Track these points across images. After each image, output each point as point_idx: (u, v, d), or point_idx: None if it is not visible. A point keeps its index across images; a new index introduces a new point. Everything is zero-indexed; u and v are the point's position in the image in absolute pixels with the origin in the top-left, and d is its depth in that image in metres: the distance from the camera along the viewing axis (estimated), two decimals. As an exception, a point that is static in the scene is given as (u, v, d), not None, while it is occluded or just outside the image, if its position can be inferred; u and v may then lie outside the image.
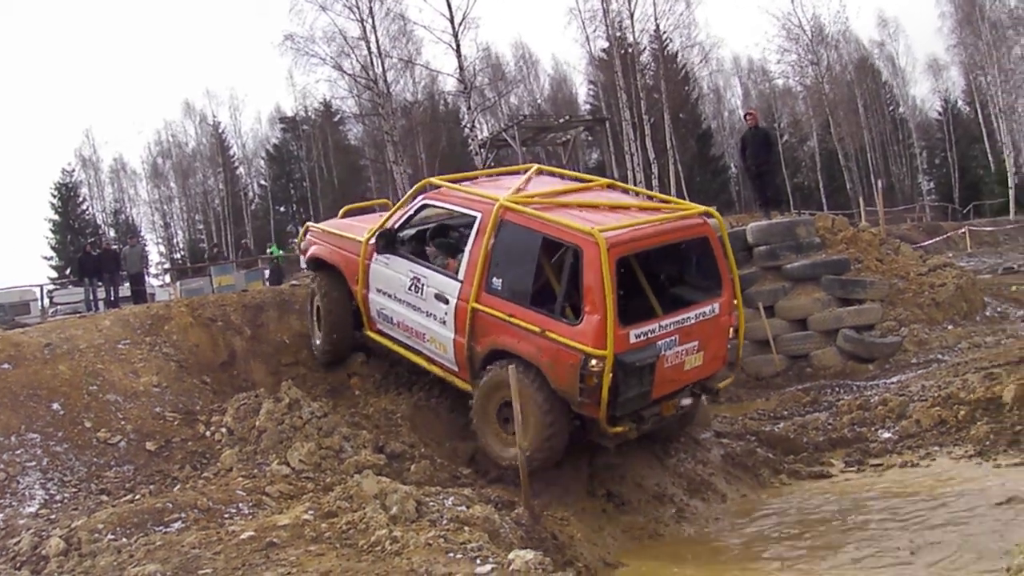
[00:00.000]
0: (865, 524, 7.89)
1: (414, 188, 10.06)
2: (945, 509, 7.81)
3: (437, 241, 9.77)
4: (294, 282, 15.68)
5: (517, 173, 10.29)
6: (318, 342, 10.42)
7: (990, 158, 59.07)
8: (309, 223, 11.61)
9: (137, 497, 7.57)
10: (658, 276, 9.13)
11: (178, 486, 7.88)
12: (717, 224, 8.91)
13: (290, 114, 64.80)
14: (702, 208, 9.03)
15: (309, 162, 62.90)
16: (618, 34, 45.42)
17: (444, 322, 8.74)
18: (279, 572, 5.17)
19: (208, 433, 8.92)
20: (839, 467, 9.49)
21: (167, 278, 47.21)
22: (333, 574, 4.86)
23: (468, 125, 35.05)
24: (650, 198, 10.47)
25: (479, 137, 38.27)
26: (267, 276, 28.19)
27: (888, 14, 73.31)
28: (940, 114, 65.96)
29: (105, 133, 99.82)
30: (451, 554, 5.01)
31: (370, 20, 32.67)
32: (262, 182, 66.66)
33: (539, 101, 63.51)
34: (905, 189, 62.21)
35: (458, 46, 31.41)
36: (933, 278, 17.06)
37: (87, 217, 63.19)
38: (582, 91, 65.59)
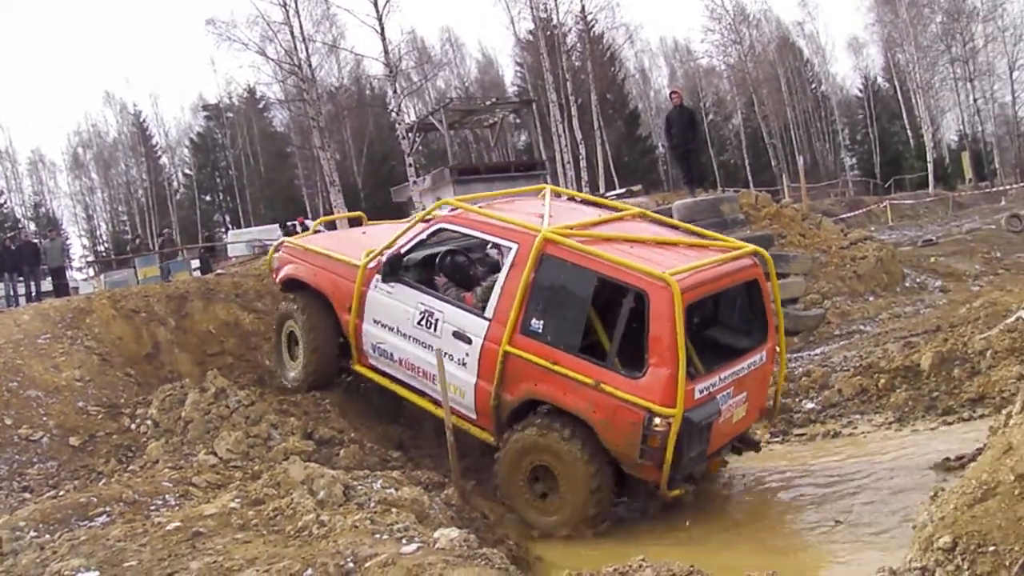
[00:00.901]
0: (790, 494, 8.05)
1: (428, 209, 8.90)
2: (868, 476, 7.98)
3: (448, 269, 8.66)
4: (220, 271, 15.49)
5: (528, 195, 9.43)
6: (292, 373, 9.43)
7: (909, 134, 60.50)
8: (284, 238, 10.54)
9: (61, 493, 7.43)
10: (711, 324, 8.35)
11: (103, 480, 7.76)
12: (766, 264, 8.09)
13: (213, 101, 63.94)
14: (752, 248, 8.12)
15: (234, 150, 62.01)
16: (543, 15, 45.54)
17: (464, 364, 7.73)
18: (205, 561, 5.12)
19: (133, 426, 8.80)
20: (764, 438, 9.67)
21: (91, 271, 46.30)
22: (260, 560, 4.84)
23: (395, 109, 34.74)
24: (682, 231, 8.88)
25: (406, 121, 38.04)
26: (196, 267, 27.85)
27: (808, -7, 74.20)
28: (861, 91, 67.34)
29: (21, 125, 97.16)
30: (377, 535, 5.02)
31: (293, 4, 32.09)
32: (187, 171, 65.78)
33: (466, 84, 63.49)
34: (828, 165, 63.38)
35: (382, 29, 30.98)
36: (854, 251, 17.51)
37: (5, 211, 61.71)
38: (509, 73, 65.85)
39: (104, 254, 57.89)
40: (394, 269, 8.30)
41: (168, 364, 10.30)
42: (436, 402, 7.99)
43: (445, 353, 7.63)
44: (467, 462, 8.00)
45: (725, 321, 8.34)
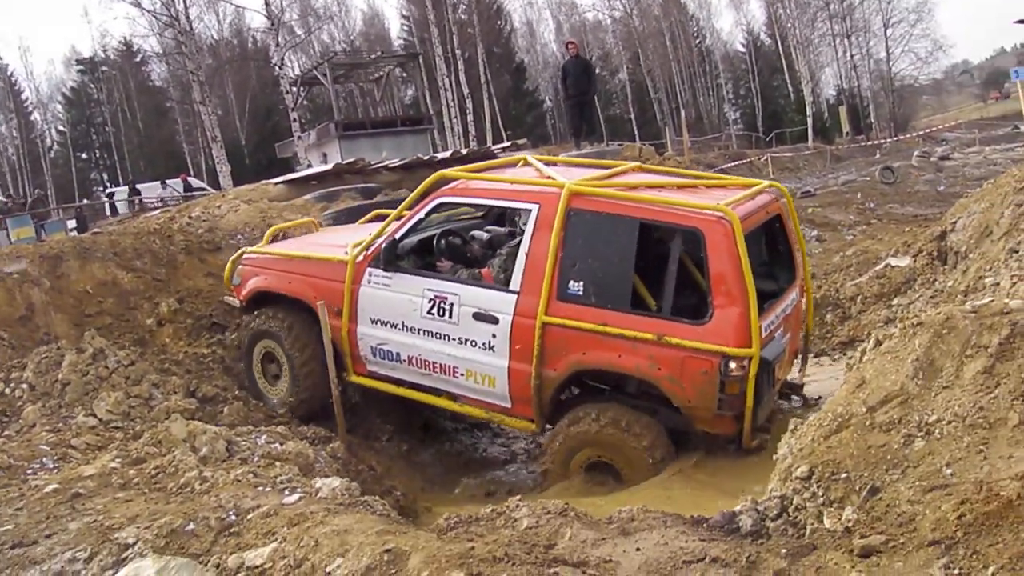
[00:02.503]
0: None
1: (423, 184, 7.77)
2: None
3: (452, 251, 7.84)
4: (96, 230, 15.02)
5: (508, 166, 8.47)
6: (275, 399, 8.33)
7: (790, 88, 62.05)
8: (244, 248, 9.27)
9: (-67, 460, 7.20)
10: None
11: (-23, 446, 7.54)
12: (786, 201, 7.65)
13: (88, 55, 61.58)
14: (769, 182, 7.77)
15: (111, 105, 59.84)
16: (429, -33, 45.04)
17: (491, 348, 6.92)
18: (85, 522, 5.05)
19: (8, 390, 8.51)
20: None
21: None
22: (141, 518, 4.79)
23: (278, 64, 34.03)
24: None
25: (290, 75, 37.30)
26: (73, 227, 26.96)
27: (691, -53, 75.07)
28: (744, 46, 68.60)
29: None
30: (260, 488, 5.03)
31: (168, -47, 31.05)
32: (60, 128, 63.18)
33: (351, 37, 62.45)
34: (712, 119, 64.57)
35: (264, -20, 30.31)
36: (734, 202, 17.91)
37: None
38: (395, 27, 65.11)
39: (-26, 215, 55.43)
40: (393, 256, 7.44)
41: (44, 326, 9.96)
42: (455, 398, 7.40)
43: (467, 340, 7.02)
44: (355, 419, 8.05)
45: (758, 259, 7.39)
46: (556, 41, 64.57)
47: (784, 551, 3.34)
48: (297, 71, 45.80)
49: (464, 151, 19.64)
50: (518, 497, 4.24)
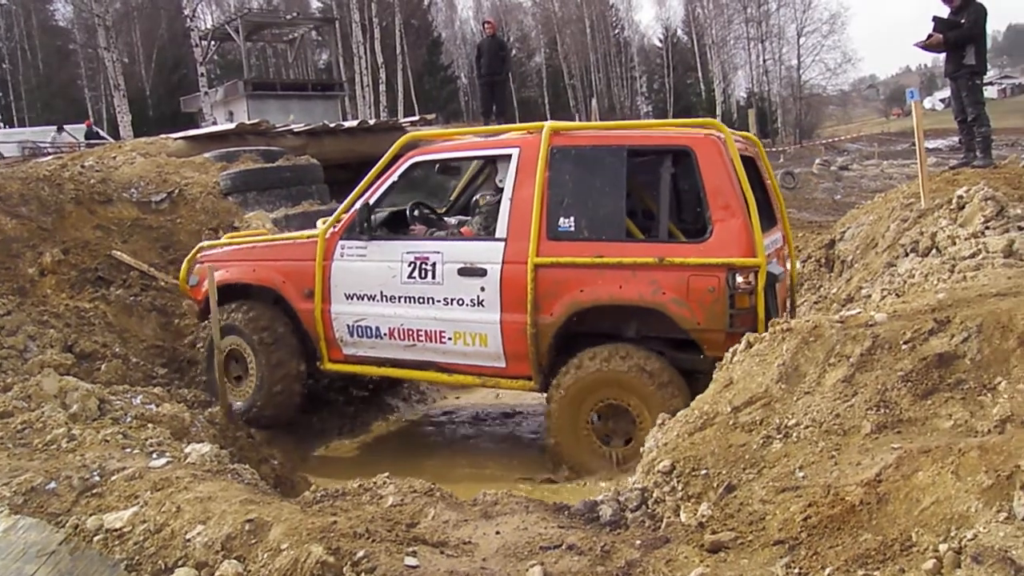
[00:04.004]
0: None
1: (392, 149, 7.36)
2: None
3: (426, 218, 7.64)
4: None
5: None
6: (240, 403, 7.61)
7: (702, 86, 63.06)
8: (201, 244, 8.62)
9: None
10: None
11: None
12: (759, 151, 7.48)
13: (-16, -13, 58.90)
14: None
15: (9, 42, 57.16)
16: (351, -68, 44.35)
17: (480, 303, 6.64)
18: (-58, 475, 4.90)
19: None
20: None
21: None
22: (1, 474, 4.67)
23: (190, 15, 33.19)
24: None
25: (201, 28, 36.40)
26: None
27: (617, -62, 75.58)
28: (661, 41, 69.47)
29: None
30: (128, 449, 4.94)
31: None
32: (-48, 64, 60.49)
33: (270, -5, 61.18)
34: (625, 110, 65.18)
35: (179, -74, 29.53)
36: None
37: None
38: (314, -12, 63.83)
39: None
40: (368, 221, 7.08)
41: (-84, 271, 9.59)
42: (444, 369, 7.04)
43: (453, 299, 6.73)
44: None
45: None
46: (475, 18, 64.43)
47: (639, 542, 3.43)
48: (210, 24, 44.74)
49: (371, 122, 19.44)
50: (386, 474, 4.26)
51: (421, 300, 6.88)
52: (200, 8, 40.93)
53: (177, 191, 11.74)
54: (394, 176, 7.21)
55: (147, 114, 46.81)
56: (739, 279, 5.88)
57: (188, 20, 33.40)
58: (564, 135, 6.65)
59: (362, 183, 7.30)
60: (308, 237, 7.47)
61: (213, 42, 36.95)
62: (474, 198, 7.89)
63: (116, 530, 3.87)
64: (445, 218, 7.93)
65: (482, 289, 6.60)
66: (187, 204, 11.56)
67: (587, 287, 6.27)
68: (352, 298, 7.19)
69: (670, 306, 6.04)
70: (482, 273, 6.59)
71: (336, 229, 7.26)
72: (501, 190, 6.89)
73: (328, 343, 7.39)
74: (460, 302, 6.70)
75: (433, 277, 6.80)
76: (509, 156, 6.78)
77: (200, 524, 3.74)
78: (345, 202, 7.32)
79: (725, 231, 6.00)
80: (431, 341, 6.90)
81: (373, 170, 7.28)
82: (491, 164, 7.72)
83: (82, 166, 12.52)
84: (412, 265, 6.89)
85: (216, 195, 11.90)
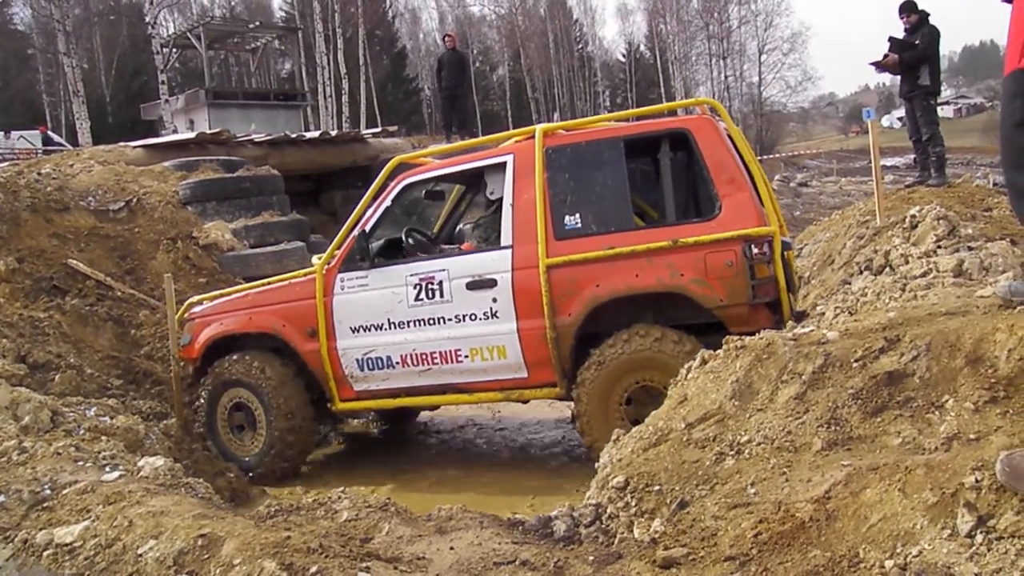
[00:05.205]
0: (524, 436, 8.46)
1: (382, 175, 7.22)
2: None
3: (420, 244, 7.50)
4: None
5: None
6: (250, 459, 7.40)
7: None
8: (189, 301, 8.15)
9: None
10: None
11: None
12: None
13: (-57, -11, 58.02)
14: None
15: (-34, 45, 56.56)
16: (316, -59, 44.24)
17: (494, 315, 6.53)
18: None
19: None
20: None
21: None
22: (-51, 486, 4.61)
23: (151, 22, 32.93)
24: None
25: (162, 35, 36.13)
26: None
27: (581, -47, 76.06)
28: (624, 57, 69.98)
29: None
30: (81, 462, 4.89)
31: None
32: (-92, 63, 59.48)
33: (232, 3, 60.88)
34: (587, 124, 65.38)
35: (140, -67, 29.33)
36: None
37: None
38: (277, -3, 63.59)
39: None
40: (367, 248, 6.96)
41: None
42: (463, 390, 6.87)
43: (464, 315, 6.60)
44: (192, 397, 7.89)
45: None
46: (439, 30, 64.48)
47: (592, 558, 3.45)
48: (171, 31, 44.36)
49: (333, 133, 19.39)
50: (341, 489, 4.25)
51: (431, 321, 6.74)
52: (162, 15, 40.66)
53: (135, 200, 11.63)
54: (387, 201, 7.11)
55: (106, 121, 46.26)
56: (755, 249, 5.93)
57: (149, 27, 33.14)
58: (557, 135, 6.68)
59: (354, 213, 7.18)
60: (305, 275, 7.31)
61: (174, 50, 36.62)
62: (458, 227, 7.99)
63: (66, 545, 3.84)
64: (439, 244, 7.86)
65: (494, 300, 6.51)
66: (145, 213, 11.46)
67: (603, 281, 6.23)
68: (359, 331, 7.01)
69: (691, 287, 6.04)
70: (492, 284, 6.51)
71: (333, 263, 7.12)
72: (492, 203, 6.91)
73: (338, 382, 7.20)
74: (473, 317, 6.59)
75: (441, 296, 6.68)
76: (503, 165, 6.75)
77: (152, 539, 3.71)
78: (339, 235, 7.18)
79: (734, 205, 6.06)
80: (447, 362, 6.74)
81: (364, 198, 7.17)
82: (478, 180, 7.61)
83: (39, 173, 12.37)
84: (418, 287, 6.76)
85: (175, 204, 11.81)
